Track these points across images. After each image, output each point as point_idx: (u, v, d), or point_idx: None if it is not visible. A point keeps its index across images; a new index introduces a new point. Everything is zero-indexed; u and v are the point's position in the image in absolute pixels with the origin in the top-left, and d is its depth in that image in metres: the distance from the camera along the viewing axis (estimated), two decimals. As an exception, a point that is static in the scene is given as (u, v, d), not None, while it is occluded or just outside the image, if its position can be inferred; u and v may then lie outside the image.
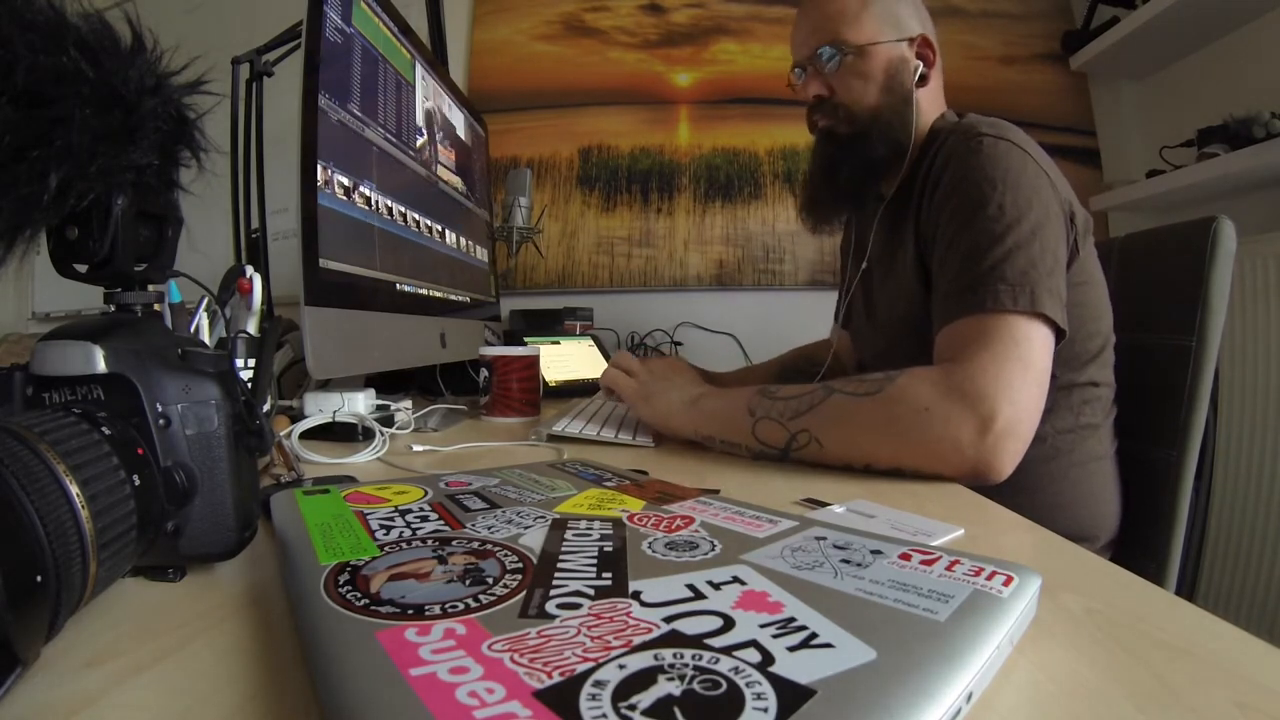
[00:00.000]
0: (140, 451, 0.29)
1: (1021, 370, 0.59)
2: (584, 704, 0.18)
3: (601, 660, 0.21)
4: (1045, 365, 0.61)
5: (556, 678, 0.20)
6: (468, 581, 0.27)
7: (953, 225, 0.68)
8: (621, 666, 0.20)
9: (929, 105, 0.84)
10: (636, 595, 0.26)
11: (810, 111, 0.88)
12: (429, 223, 1.04)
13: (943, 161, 0.73)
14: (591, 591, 0.26)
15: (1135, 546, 0.81)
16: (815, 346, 1.17)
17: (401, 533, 0.34)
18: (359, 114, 0.81)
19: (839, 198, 0.89)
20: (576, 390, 1.32)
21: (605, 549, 0.31)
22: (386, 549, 0.31)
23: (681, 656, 0.21)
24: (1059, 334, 0.63)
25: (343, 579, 0.28)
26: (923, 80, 0.83)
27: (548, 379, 1.27)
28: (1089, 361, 0.78)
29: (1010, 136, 0.71)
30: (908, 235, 0.78)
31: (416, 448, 0.72)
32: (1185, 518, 0.79)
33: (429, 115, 1.08)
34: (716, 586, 0.27)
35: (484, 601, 0.25)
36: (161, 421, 0.31)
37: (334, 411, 0.76)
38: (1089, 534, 0.78)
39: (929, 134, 0.82)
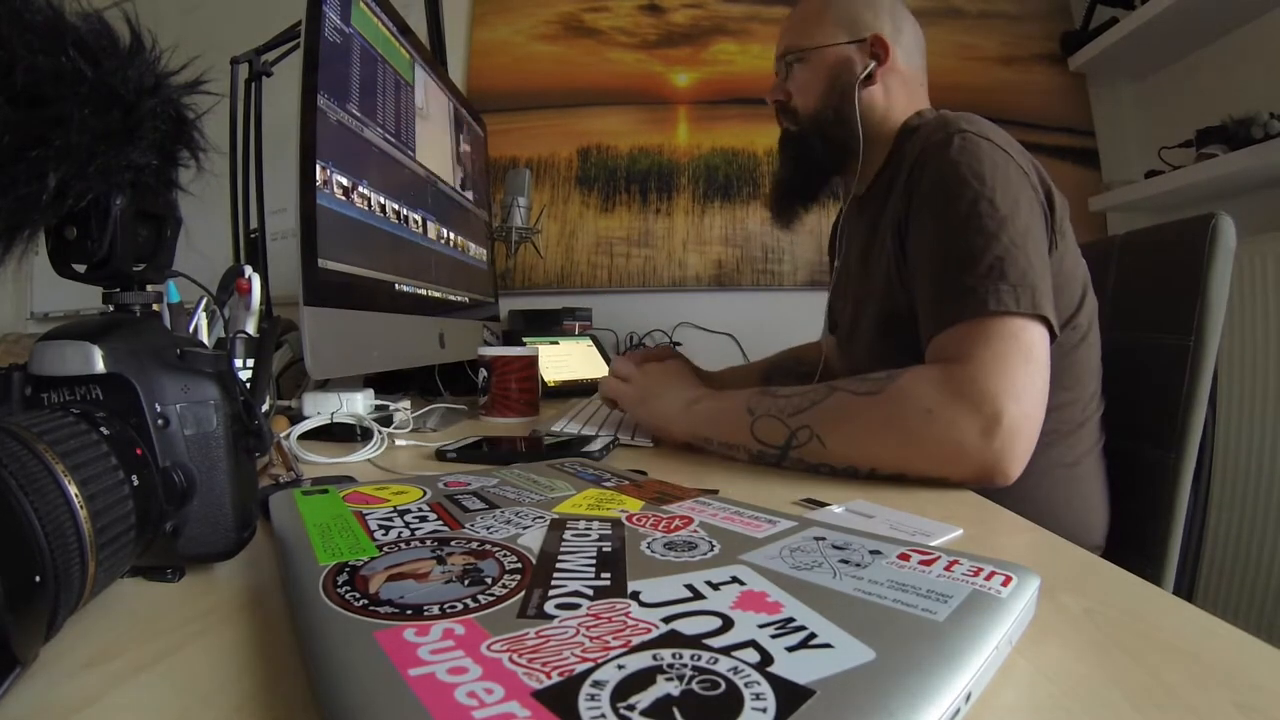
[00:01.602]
0: (139, 452, 0.29)
1: (1024, 366, 0.57)
2: (583, 704, 0.18)
3: (600, 660, 0.21)
4: (1047, 363, 0.60)
5: (555, 678, 0.20)
6: (466, 582, 0.27)
7: (941, 225, 0.67)
8: (620, 667, 0.20)
9: (889, 103, 0.84)
10: (635, 595, 0.26)
11: (776, 114, 0.92)
12: (428, 222, 1.04)
13: (918, 158, 0.71)
14: (590, 592, 0.26)
15: (1131, 548, 0.80)
16: (805, 348, 1.17)
17: (400, 533, 0.34)
18: (358, 114, 0.81)
19: (788, 194, 0.93)
20: (575, 391, 1.32)
21: (604, 549, 0.31)
22: (385, 549, 0.31)
23: (680, 657, 0.21)
24: (1052, 337, 0.62)
25: (341, 579, 0.28)
26: (870, 78, 0.83)
27: (546, 379, 1.27)
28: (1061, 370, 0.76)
29: (990, 135, 0.69)
30: (884, 234, 0.77)
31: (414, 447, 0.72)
32: (1183, 519, 0.79)
33: (428, 115, 1.07)
34: (715, 587, 0.27)
35: (483, 602, 0.25)
36: (160, 422, 0.31)
37: (332, 413, 0.76)
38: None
39: (901, 131, 0.82)
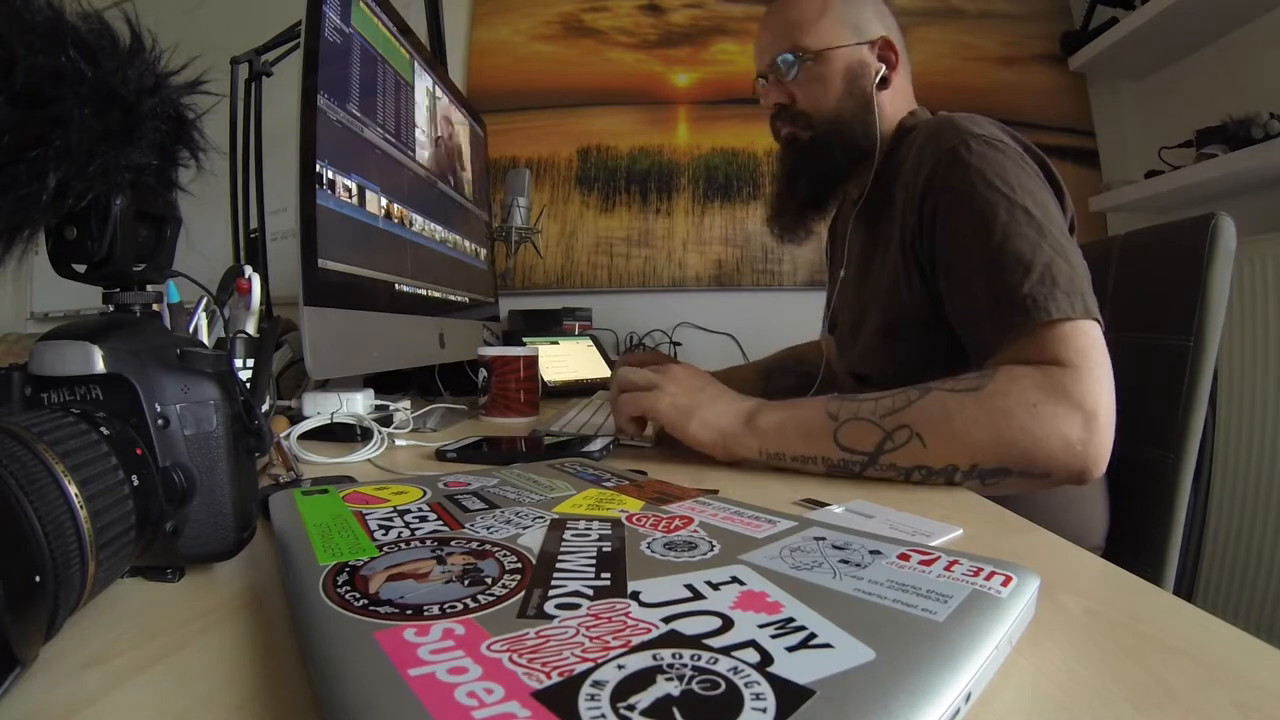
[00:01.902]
0: (139, 452, 0.29)
1: (1105, 365, 0.60)
2: (583, 704, 0.18)
3: (600, 660, 0.21)
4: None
5: (555, 678, 0.20)
6: (466, 582, 0.27)
7: (982, 235, 0.66)
8: (620, 667, 0.20)
9: (893, 105, 0.84)
10: (635, 595, 0.26)
11: (773, 120, 0.89)
12: (428, 223, 1.04)
13: (936, 166, 0.71)
14: (590, 592, 0.26)
15: (1130, 550, 0.80)
16: (804, 348, 1.17)
17: (400, 533, 0.34)
18: (358, 114, 0.81)
19: (803, 205, 0.90)
20: (575, 390, 1.32)
21: (604, 549, 0.31)
22: (385, 549, 0.31)
23: (680, 657, 0.21)
24: None
25: (341, 579, 0.28)
26: (884, 83, 0.83)
27: (546, 379, 1.27)
28: None
29: (1003, 137, 0.70)
30: (890, 237, 0.77)
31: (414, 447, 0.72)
32: (1183, 522, 0.79)
33: (428, 115, 1.08)
34: (715, 587, 0.27)
35: (483, 602, 0.25)
36: (160, 422, 0.31)
37: (332, 413, 0.76)
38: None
39: (897, 131, 0.82)
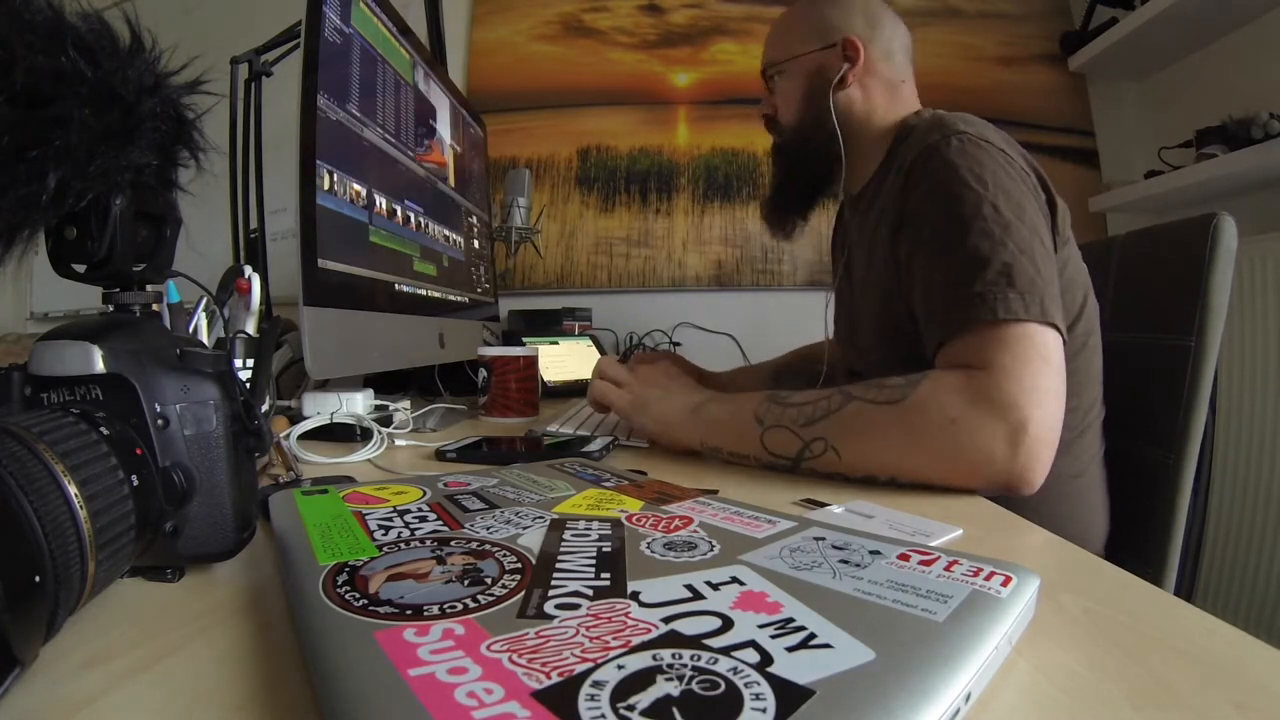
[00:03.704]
0: (139, 452, 0.29)
1: (1046, 373, 0.57)
2: (583, 704, 0.18)
3: (600, 661, 0.21)
4: (1064, 368, 0.59)
5: (555, 678, 0.20)
6: (466, 582, 0.27)
7: (944, 229, 0.65)
8: (620, 667, 0.20)
9: (869, 104, 0.83)
10: (635, 596, 0.26)
11: (766, 129, 0.94)
12: (428, 223, 1.04)
13: (916, 159, 0.70)
14: (590, 592, 0.26)
15: (1130, 550, 0.80)
16: (814, 348, 1.17)
17: (400, 533, 0.34)
18: (358, 114, 0.81)
19: (784, 208, 0.94)
20: (575, 391, 1.32)
21: (604, 549, 0.31)
22: (385, 549, 0.31)
23: (680, 657, 0.21)
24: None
25: (341, 579, 0.28)
26: (843, 81, 0.82)
27: (546, 379, 1.27)
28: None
29: (989, 136, 0.68)
30: (881, 235, 0.77)
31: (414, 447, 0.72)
32: (1183, 522, 0.78)
33: (427, 115, 1.08)
34: (715, 587, 0.27)
35: (482, 602, 0.25)
36: (160, 422, 0.31)
37: (332, 413, 0.76)
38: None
39: (899, 130, 0.81)
